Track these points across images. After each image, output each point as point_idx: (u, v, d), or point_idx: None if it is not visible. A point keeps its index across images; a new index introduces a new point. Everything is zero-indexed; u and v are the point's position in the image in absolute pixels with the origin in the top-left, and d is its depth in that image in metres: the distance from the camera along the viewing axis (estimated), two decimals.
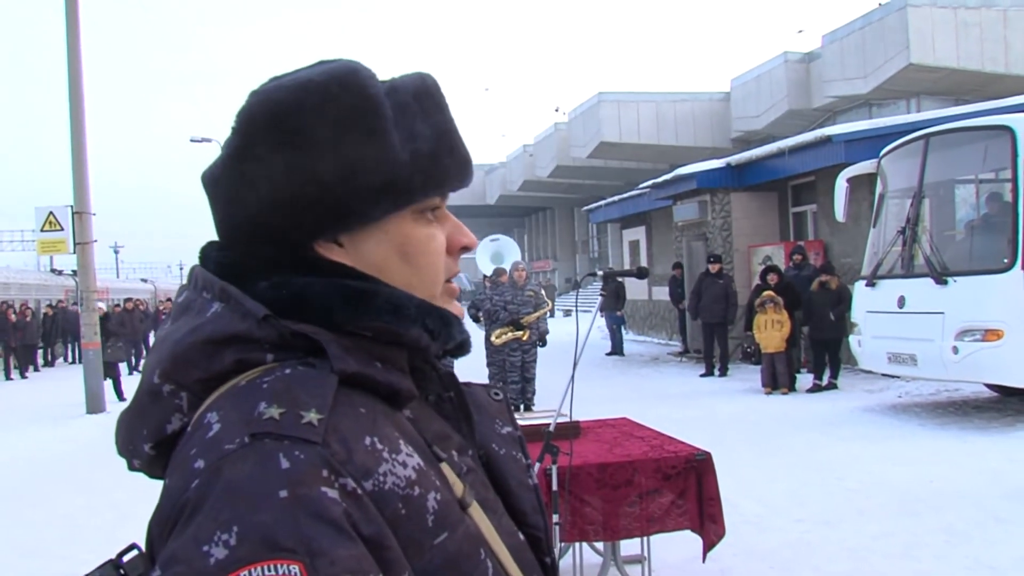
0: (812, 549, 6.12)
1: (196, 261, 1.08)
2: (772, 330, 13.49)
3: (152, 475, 1.01)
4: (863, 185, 13.20)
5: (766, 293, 13.65)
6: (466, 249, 1.12)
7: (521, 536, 1.07)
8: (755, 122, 30.69)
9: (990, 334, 9.61)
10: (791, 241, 17.36)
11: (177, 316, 1.01)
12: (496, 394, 1.25)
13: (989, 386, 11.83)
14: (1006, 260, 9.84)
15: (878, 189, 12.34)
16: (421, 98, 1.05)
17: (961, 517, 6.61)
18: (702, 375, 16.35)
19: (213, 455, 0.86)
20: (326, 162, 0.97)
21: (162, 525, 0.88)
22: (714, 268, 16.18)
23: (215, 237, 1.06)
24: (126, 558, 0.96)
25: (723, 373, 16.16)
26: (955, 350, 9.94)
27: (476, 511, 0.99)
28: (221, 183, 1.02)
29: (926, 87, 24.75)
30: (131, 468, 1.03)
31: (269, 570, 0.79)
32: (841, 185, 12.81)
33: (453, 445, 1.04)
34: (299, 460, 0.84)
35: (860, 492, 7.46)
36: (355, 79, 1.00)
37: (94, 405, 15.78)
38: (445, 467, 0.99)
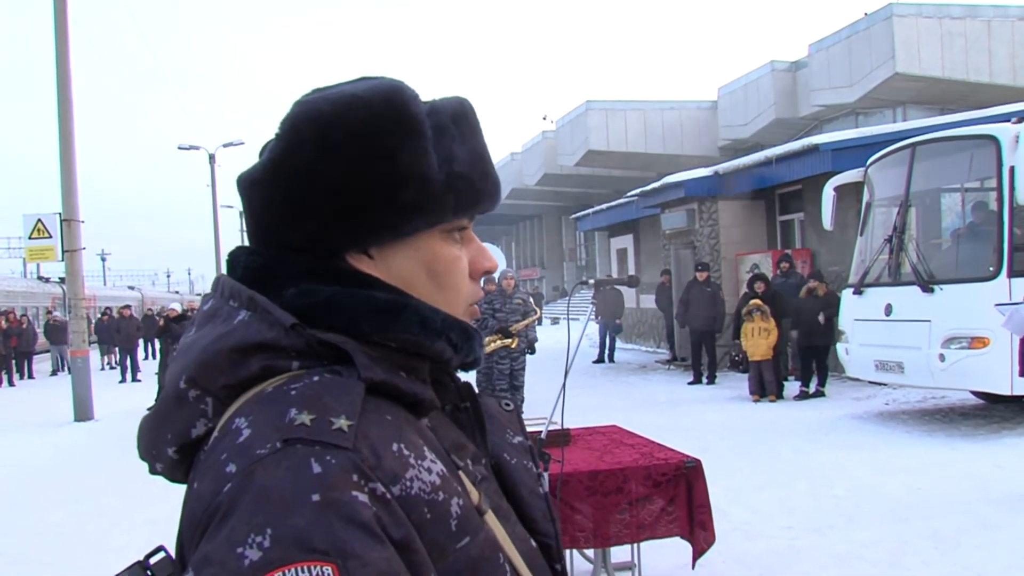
0: (801, 556, 6.15)
1: (224, 268, 1.10)
2: (759, 338, 13.53)
3: (173, 479, 1.03)
4: (850, 194, 13.27)
5: (753, 301, 13.70)
6: (488, 273, 1.14)
7: (533, 543, 1.10)
8: (742, 131, 30.78)
9: (976, 342, 9.66)
10: (779, 249, 17.43)
11: (203, 324, 1.03)
12: (507, 405, 1.28)
13: (975, 393, 11.88)
14: (992, 268, 9.90)
15: (865, 198, 12.41)
16: (459, 121, 1.08)
17: (949, 524, 6.65)
18: (690, 383, 16.37)
19: (245, 460, 0.88)
20: (365, 175, 1.01)
21: (193, 528, 0.89)
22: (702, 276, 16.22)
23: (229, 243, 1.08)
24: (153, 560, 0.98)
25: (711, 381, 16.20)
26: (941, 358, 9.99)
27: (491, 518, 1.02)
28: (259, 188, 1.05)
29: (912, 96, 24.87)
30: (152, 471, 1.05)
31: (303, 572, 0.81)
32: (828, 194, 12.86)
33: (468, 454, 1.06)
34: (331, 465, 0.86)
35: (848, 499, 7.49)
36: (399, 98, 1.03)
37: (82, 413, 15.72)
38: (461, 475, 1.01)
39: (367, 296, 1.01)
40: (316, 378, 0.95)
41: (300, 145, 1.01)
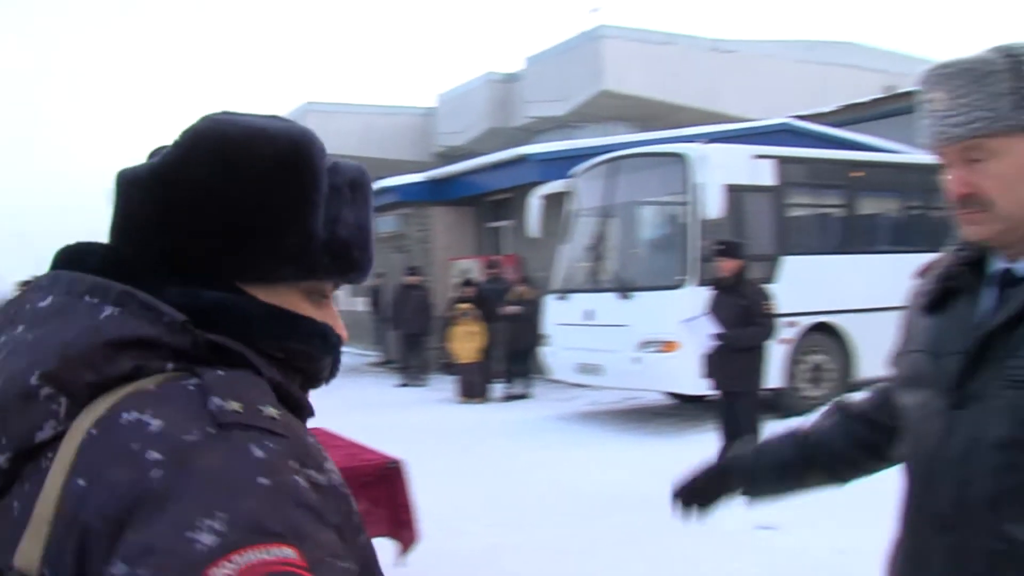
0: (503, 552, 6.32)
1: (50, 266, 1.02)
2: (466, 341, 13.81)
3: None
4: (556, 203, 13.77)
5: (461, 305, 13.97)
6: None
7: None
8: (458, 138, 31.26)
9: (667, 345, 10.28)
10: (488, 255, 17.84)
11: (45, 321, 0.94)
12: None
13: (669, 393, 12.64)
14: (680, 277, 10.59)
15: (569, 207, 12.93)
16: (355, 188, 1.07)
17: (640, 517, 6.99)
18: (399, 385, 16.49)
19: (169, 446, 0.84)
20: (252, 210, 0.97)
21: (106, 522, 0.81)
22: (413, 280, 16.38)
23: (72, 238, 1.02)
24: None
25: (420, 383, 16.37)
26: (637, 360, 10.58)
27: None
28: (140, 188, 1.00)
29: (617, 113, 26.11)
30: None
31: (262, 553, 0.79)
32: (535, 202, 13.32)
33: None
34: (272, 450, 0.86)
35: (548, 497, 7.77)
36: (306, 144, 1.01)
37: None
38: None
39: (262, 304, 0.99)
40: (220, 372, 0.91)
41: (196, 160, 0.98)
